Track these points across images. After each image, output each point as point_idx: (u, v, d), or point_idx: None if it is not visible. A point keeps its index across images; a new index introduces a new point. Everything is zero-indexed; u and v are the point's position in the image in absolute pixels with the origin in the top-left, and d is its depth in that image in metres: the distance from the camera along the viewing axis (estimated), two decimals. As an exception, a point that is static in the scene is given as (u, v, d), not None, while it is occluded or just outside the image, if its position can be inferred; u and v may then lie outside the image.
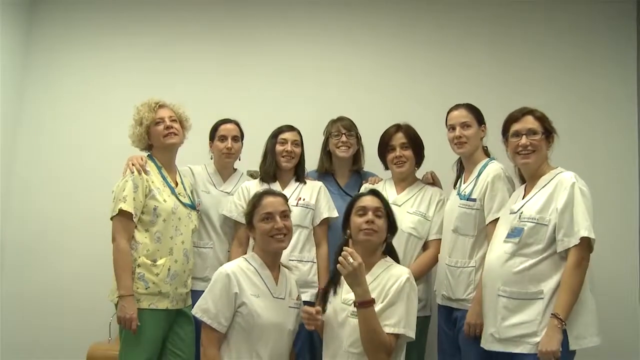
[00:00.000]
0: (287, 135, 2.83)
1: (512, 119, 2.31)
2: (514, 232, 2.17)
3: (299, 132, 2.87)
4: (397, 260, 2.27)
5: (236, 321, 2.11)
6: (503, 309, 2.13)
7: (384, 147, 2.80)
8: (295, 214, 2.66)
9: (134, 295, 2.35)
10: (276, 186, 2.78)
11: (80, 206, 3.37)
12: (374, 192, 2.29)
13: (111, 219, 2.42)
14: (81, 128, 3.50)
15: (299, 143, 2.86)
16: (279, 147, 2.81)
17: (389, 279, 2.11)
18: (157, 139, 2.58)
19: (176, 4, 3.60)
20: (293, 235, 2.57)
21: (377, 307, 2.04)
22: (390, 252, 2.27)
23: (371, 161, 3.02)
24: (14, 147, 3.51)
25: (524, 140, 2.23)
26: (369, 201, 2.21)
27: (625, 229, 3.18)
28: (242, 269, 2.18)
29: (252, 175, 3.02)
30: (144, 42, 3.58)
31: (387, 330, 2.02)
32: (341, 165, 3.01)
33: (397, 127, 2.79)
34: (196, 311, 2.12)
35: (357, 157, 3.02)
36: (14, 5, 3.48)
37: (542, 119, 2.26)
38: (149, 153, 2.63)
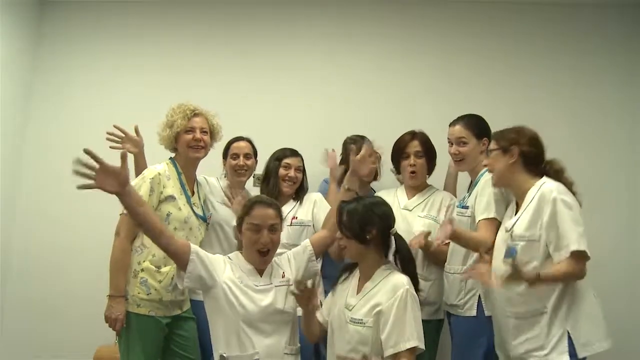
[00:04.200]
0: (291, 160, 2.82)
1: None
2: (509, 253, 2.15)
3: (301, 158, 2.87)
4: (407, 258, 2.17)
5: (224, 312, 2.09)
6: (513, 329, 2.16)
7: (399, 153, 2.78)
8: (290, 233, 2.70)
9: (124, 296, 2.33)
10: None
11: (87, 209, 3.33)
12: (340, 207, 2.19)
13: (120, 214, 2.39)
14: (89, 130, 3.41)
15: (302, 169, 2.86)
16: (282, 171, 2.80)
17: (386, 291, 2.05)
18: (183, 148, 2.55)
19: (183, 7, 3.59)
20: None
21: (388, 326, 1.99)
22: (397, 252, 2.18)
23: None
24: (21, 148, 3.50)
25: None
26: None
27: (633, 231, 3.20)
28: (230, 261, 2.20)
29: (258, 178, 2.99)
30: (150, 43, 3.57)
31: (402, 347, 1.96)
32: (361, 183, 2.98)
33: (413, 135, 2.77)
34: None
35: (376, 172, 3.04)
36: (22, 7, 3.46)
37: (496, 138, 2.29)
38: (171, 157, 2.60)
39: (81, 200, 3.35)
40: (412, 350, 1.97)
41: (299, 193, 2.86)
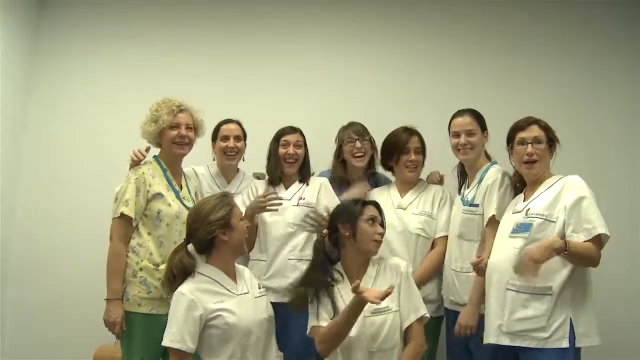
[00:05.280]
0: (289, 137, 2.78)
1: (518, 127, 2.35)
2: (521, 227, 2.20)
3: (301, 133, 2.82)
4: None
5: (211, 333, 2.03)
6: (511, 302, 2.14)
7: (397, 150, 2.74)
8: (297, 213, 2.67)
9: (120, 299, 2.35)
10: (281, 188, 2.77)
11: (86, 208, 3.35)
12: (376, 204, 2.29)
13: (113, 218, 2.41)
14: (87, 129, 3.49)
15: (302, 144, 2.80)
16: (281, 150, 2.77)
17: (391, 271, 2.20)
18: (168, 144, 2.54)
19: (181, 5, 3.57)
20: (294, 236, 2.62)
21: (401, 303, 2.13)
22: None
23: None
24: (20, 149, 3.49)
25: (529, 148, 2.27)
26: (376, 211, 2.24)
27: (633, 231, 3.20)
28: (197, 287, 2.06)
29: (258, 177, 2.95)
30: (149, 43, 3.56)
31: (413, 317, 2.12)
32: (356, 172, 2.91)
33: (411, 131, 2.76)
34: (165, 342, 2.00)
35: (371, 162, 2.93)
36: (21, 7, 3.46)
37: (546, 128, 2.31)
38: (155, 155, 2.59)
39: (79, 200, 3.40)
40: (421, 319, 2.15)
41: (304, 174, 2.81)
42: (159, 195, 2.43)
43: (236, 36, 3.55)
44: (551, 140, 2.30)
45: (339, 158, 2.93)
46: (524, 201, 2.30)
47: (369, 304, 2.01)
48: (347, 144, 2.86)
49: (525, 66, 3.41)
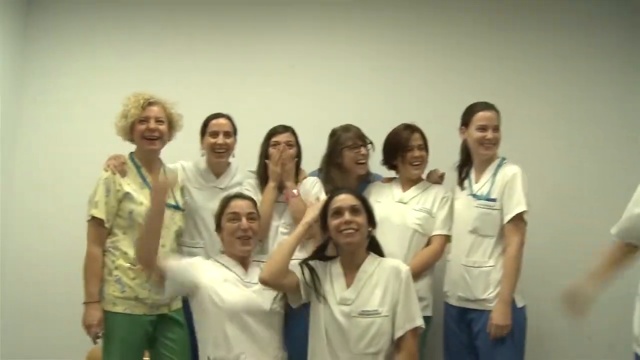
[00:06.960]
0: (279, 137, 2.69)
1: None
2: None
3: (293, 132, 2.73)
4: (381, 255, 2.21)
5: (208, 309, 2.09)
6: None
7: (400, 148, 2.72)
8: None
9: (99, 302, 2.32)
10: None
11: (80, 212, 3.32)
12: (349, 190, 2.21)
13: (88, 220, 2.39)
14: (81, 130, 3.46)
15: (293, 143, 2.71)
16: (272, 151, 2.68)
17: (389, 273, 2.08)
18: (137, 139, 2.48)
19: (169, 4, 3.55)
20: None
21: (398, 309, 2.04)
22: (375, 247, 2.21)
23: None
24: (12, 151, 3.48)
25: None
26: (343, 200, 2.13)
27: None
28: (213, 263, 2.23)
29: (253, 173, 2.85)
30: (139, 41, 3.53)
31: (408, 326, 2.03)
32: (352, 177, 2.79)
33: (413, 128, 2.74)
34: None
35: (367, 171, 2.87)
36: (8, 7, 3.45)
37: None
38: (131, 152, 2.54)
39: (75, 201, 3.34)
40: (416, 329, 2.05)
41: (296, 172, 2.70)
42: (128, 195, 2.38)
43: (226, 35, 3.50)
44: None
45: (334, 162, 2.79)
46: None
47: (352, 303, 2.02)
48: (351, 149, 2.75)
49: (520, 64, 3.33)
